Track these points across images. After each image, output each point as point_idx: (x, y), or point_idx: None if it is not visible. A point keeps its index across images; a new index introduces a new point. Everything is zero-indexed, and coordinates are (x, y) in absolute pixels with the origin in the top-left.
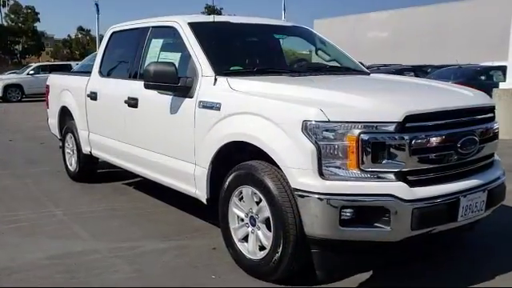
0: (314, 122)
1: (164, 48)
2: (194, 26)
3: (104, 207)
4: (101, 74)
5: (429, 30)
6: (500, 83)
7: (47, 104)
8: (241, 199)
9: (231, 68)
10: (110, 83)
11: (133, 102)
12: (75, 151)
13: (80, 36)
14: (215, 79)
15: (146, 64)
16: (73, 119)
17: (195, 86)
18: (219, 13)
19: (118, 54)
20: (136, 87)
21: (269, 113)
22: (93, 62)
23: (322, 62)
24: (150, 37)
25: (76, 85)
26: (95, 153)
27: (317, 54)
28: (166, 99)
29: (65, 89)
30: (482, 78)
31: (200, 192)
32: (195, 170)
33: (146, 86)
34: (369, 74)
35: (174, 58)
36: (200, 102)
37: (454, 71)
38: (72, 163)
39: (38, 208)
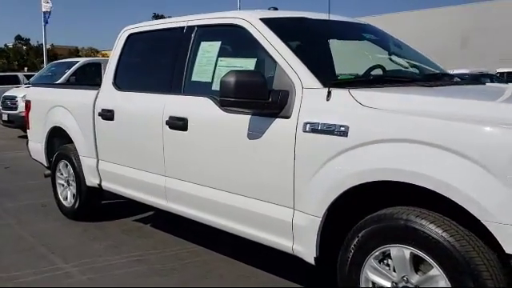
0: None
1: (223, 53)
2: (270, 24)
3: (126, 257)
4: (117, 86)
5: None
6: None
7: (27, 124)
8: (381, 261)
9: (339, 77)
10: (135, 99)
11: (179, 124)
12: (72, 182)
13: (18, 46)
14: (329, 92)
15: (198, 73)
16: (69, 143)
17: (292, 101)
18: None
19: (142, 61)
20: (183, 104)
21: (453, 140)
22: (50, 73)
23: (419, 70)
24: (197, 39)
25: (76, 100)
26: (107, 186)
27: (390, 59)
28: (240, 120)
29: (57, 105)
30: None
31: (303, 248)
32: (294, 217)
33: (225, 104)
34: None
35: (243, 65)
36: (306, 124)
37: None
38: (68, 197)
39: (38, 263)
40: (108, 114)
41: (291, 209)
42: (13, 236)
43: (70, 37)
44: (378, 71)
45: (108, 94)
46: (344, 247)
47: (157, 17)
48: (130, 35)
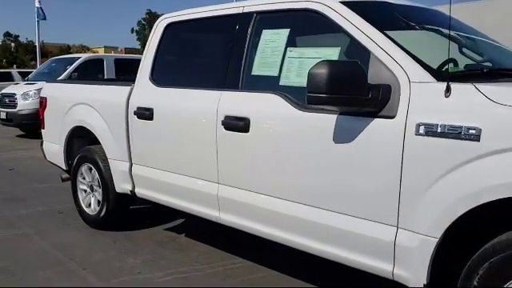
0: None
1: (292, 42)
2: (354, 8)
3: (170, 274)
4: (155, 82)
5: None
6: None
7: (42, 124)
8: None
9: (449, 69)
10: (179, 96)
11: (239, 125)
12: (97, 188)
13: (7, 43)
14: (448, 87)
15: (260, 66)
16: (93, 144)
17: (396, 98)
18: None
19: (185, 53)
20: (243, 102)
21: None
22: (50, 70)
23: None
24: (257, 27)
25: (105, 98)
26: (142, 193)
27: (461, 52)
28: (323, 120)
29: (80, 103)
30: None
31: (407, 272)
32: (397, 236)
33: (314, 101)
34: None
35: (321, 55)
36: (419, 125)
37: None
38: (91, 204)
39: (70, 281)
40: (146, 113)
41: (393, 227)
42: (35, 249)
43: (59, 34)
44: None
45: (145, 91)
46: (466, 274)
47: (151, 13)
48: (169, 25)
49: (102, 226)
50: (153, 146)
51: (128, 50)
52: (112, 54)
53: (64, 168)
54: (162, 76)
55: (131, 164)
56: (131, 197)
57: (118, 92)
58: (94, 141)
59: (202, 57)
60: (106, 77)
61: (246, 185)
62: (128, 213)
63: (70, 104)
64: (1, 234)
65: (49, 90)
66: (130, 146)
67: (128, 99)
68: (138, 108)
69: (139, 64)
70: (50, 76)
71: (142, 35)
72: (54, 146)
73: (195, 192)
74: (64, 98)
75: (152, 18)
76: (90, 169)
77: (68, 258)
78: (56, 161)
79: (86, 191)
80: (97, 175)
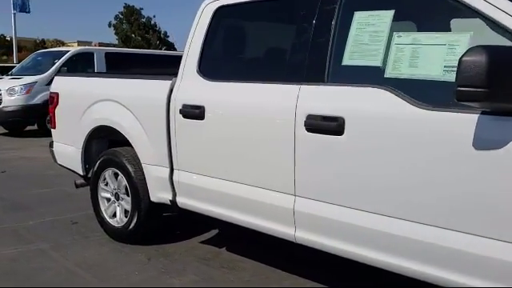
0: None
1: (398, 26)
2: None
3: None
4: (204, 75)
5: None
6: None
7: (52, 122)
8: None
9: None
10: (238, 91)
11: (330, 126)
12: (124, 196)
13: None
14: None
15: (354, 54)
16: (119, 146)
17: None
18: (139, 12)
19: (244, 41)
20: (333, 97)
21: None
22: (35, 64)
23: None
24: (346, 8)
25: (139, 93)
26: (186, 203)
27: None
28: (457, 121)
29: (105, 99)
30: None
31: None
32: None
33: (466, 97)
34: None
35: (443, 41)
36: None
37: None
38: (117, 215)
39: None
40: (195, 112)
41: None
42: (57, 269)
43: (31, 29)
44: None
45: (192, 86)
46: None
47: (129, 7)
48: (220, 9)
49: (130, 239)
50: (203, 149)
51: (103, 45)
52: (103, 48)
53: (81, 173)
54: (213, 68)
55: (172, 170)
56: (166, 206)
57: (157, 87)
58: (117, 142)
59: (266, 45)
60: (96, 71)
61: (338, 199)
62: (160, 224)
63: (91, 101)
64: (13, 250)
65: (61, 84)
66: (171, 149)
67: (169, 95)
68: (185, 106)
69: (131, 58)
70: (36, 71)
71: (121, 29)
72: (67, 148)
73: (262, 205)
74: (82, 94)
75: (129, 11)
76: (116, 174)
77: (99, 280)
78: (70, 165)
79: (109, 200)
80: (124, 182)
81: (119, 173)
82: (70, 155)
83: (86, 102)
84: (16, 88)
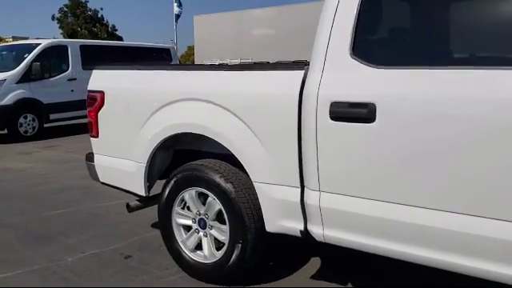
0: None
1: None
2: None
3: None
4: (365, 59)
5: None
6: None
7: (94, 129)
8: None
9: None
10: (430, 80)
11: None
12: (215, 223)
13: None
14: None
15: None
16: (201, 158)
17: None
18: (84, 5)
19: (429, 7)
20: None
21: None
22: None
23: None
24: None
25: (250, 90)
26: (338, 237)
27: None
28: None
29: (189, 98)
30: None
31: None
32: None
33: None
34: None
35: None
36: None
37: None
38: (204, 247)
39: None
40: (359, 112)
41: None
42: None
43: None
44: None
45: (345, 76)
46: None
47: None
48: None
49: (226, 279)
50: (371, 163)
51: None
52: (77, 40)
53: (143, 194)
54: (379, 50)
55: (303, 190)
56: (277, 236)
57: (278, 81)
58: (187, 153)
59: (479, 10)
60: (71, 66)
61: None
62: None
63: (163, 101)
64: None
65: (107, 80)
66: (301, 163)
67: (301, 90)
68: (336, 104)
69: (109, 50)
70: (2, 67)
71: (66, 23)
72: (121, 162)
73: (485, 240)
74: (146, 92)
75: (74, 4)
76: (203, 196)
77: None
78: (123, 183)
79: (189, 228)
80: (218, 205)
81: (210, 194)
82: (126, 171)
83: (155, 103)
84: None
